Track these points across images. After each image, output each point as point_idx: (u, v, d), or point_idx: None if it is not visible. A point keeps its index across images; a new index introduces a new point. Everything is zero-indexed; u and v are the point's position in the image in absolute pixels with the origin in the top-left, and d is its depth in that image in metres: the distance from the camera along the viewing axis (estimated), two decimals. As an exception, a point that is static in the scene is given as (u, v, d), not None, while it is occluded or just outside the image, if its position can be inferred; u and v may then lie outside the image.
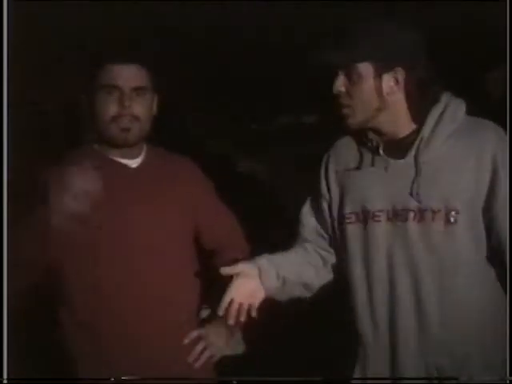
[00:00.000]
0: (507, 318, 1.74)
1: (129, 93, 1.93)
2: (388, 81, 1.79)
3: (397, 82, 1.79)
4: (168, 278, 1.98)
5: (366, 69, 1.78)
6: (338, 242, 1.95)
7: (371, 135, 1.86)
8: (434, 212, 1.76)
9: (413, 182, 1.79)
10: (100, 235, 1.91)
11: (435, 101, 1.82)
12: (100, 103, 1.94)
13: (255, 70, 3.75)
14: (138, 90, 1.95)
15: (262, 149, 4.34)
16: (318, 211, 2.00)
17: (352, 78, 1.79)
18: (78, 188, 1.89)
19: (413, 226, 1.78)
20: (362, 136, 1.89)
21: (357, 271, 1.87)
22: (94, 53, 1.97)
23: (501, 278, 1.80)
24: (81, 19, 3.00)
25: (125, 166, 2.02)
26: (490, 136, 1.77)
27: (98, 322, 1.92)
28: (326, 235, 2.01)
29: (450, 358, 1.79)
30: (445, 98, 1.83)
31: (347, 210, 1.89)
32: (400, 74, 1.78)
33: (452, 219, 1.75)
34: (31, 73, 2.95)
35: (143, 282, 1.94)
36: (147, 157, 2.06)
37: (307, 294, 2.02)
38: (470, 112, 1.84)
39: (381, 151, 1.84)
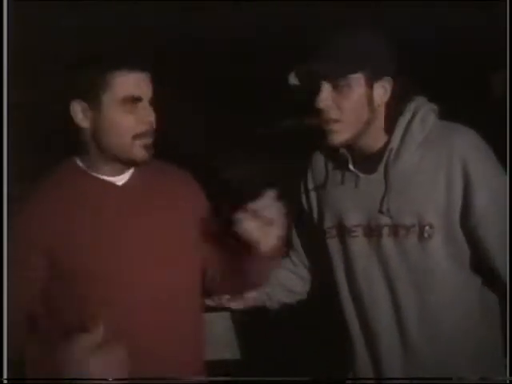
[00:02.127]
0: (507, 318, 1.72)
1: (149, 105, 1.70)
2: (379, 90, 1.70)
3: (385, 92, 1.71)
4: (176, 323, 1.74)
5: (356, 79, 1.67)
6: (320, 256, 1.91)
7: (342, 150, 1.77)
8: (407, 228, 1.71)
9: (383, 198, 1.73)
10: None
11: (403, 110, 1.74)
12: (117, 118, 1.67)
13: (256, 71, 3.75)
14: (151, 100, 1.71)
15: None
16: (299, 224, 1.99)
17: (340, 90, 1.68)
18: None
19: (388, 242, 1.74)
20: (331, 151, 1.81)
21: (342, 286, 1.85)
22: (96, 58, 1.71)
23: (488, 284, 1.75)
24: (80, 19, 3.01)
25: (110, 184, 1.74)
26: (458, 142, 1.68)
27: None
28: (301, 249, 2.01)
29: (431, 372, 1.76)
30: (413, 105, 1.74)
31: (326, 224, 1.85)
32: (388, 83, 1.71)
33: (426, 234, 1.69)
34: (31, 73, 2.96)
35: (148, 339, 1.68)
36: (137, 171, 1.77)
37: (293, 299, 2.04)
38: (467, 115, 1.76)
39: (351, 166, 1.77)
